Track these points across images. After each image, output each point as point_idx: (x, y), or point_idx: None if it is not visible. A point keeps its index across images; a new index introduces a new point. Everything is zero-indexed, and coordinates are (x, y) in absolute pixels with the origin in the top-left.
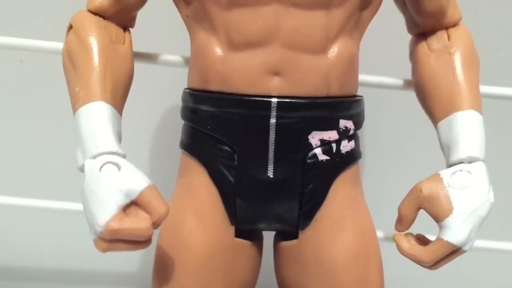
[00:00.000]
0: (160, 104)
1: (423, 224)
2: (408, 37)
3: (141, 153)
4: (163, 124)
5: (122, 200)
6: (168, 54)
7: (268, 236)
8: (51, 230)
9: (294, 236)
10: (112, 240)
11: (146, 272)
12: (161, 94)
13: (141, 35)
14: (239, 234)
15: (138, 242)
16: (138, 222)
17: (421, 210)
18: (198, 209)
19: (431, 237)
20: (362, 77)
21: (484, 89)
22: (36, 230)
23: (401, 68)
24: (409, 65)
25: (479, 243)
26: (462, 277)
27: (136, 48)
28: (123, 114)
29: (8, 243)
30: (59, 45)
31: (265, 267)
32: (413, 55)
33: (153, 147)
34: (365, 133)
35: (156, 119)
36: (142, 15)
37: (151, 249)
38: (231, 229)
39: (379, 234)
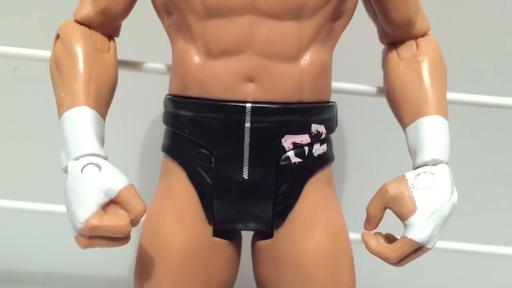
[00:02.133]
0: (144, 109)
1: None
2: (381, 46)
3: (126, 156)
4: (147, 129)
5: (101, 199)
6: (152, 62)
7: (249, 237)
8: (44, 233)
9: (270, 235)
10: (92, 236)
11: None
12: (145, 100)
13: (127, 44)
14: (217, 233)
15: (117, 238)
16: (117, 219)
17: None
18: (178, 209)
19: None
20: (338, 84)
21: (452, 96)
22: (29, 234)
23: (375, 76)
24: (382, 73)
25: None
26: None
27: (121, 56)
28: (109, 119)
29: (3, 246)
30: (49, 54)
31: (246, 266)
32: (385, 64)
33: (137, 150)
34: (341, 137)
35: (140, 124)
36: (127, 25)
37: None
38: (209, 229)
39: (355, 236)
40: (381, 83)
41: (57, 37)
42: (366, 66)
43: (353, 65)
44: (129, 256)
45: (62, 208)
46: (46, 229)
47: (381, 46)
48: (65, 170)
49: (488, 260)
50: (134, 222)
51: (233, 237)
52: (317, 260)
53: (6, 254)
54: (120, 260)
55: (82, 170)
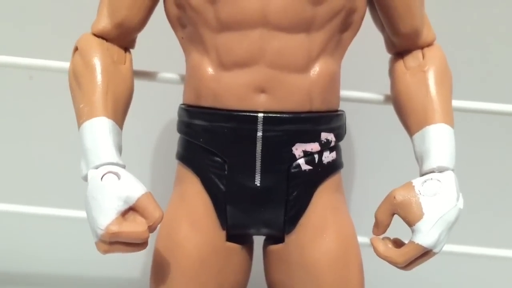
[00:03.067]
0: (158, 118)
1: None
2: (388, 55)
3: (142, 164)
4: (162, 137)
5: (121, 206)
6: (166, 72)
7: (260, 241)
8: (56, 237)
9: (281, 240)
10: (112, 242)
11: (148, 279)
12: (159, 110)
13: (141, 55)
14: (230, 238)
15: (136, 244)
16: (136, 226)
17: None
18: (192, 215)
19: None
20: (346, 93)
21: (457, 103)
22: (41, 237)
23: (382, 85)
24: (389, 82)
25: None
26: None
27: (137, 67)
28: (125, 127)
29: (14, 250)
30: (65, 64)
31: (258, 270)
32: (391, 73)
33: (152, 158)
34: (350, 145)
35: (155, 133)
36: (142, 37)
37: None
38: (223, 234)
39: (364, 240)
40: (388, 91)
41: (76, 49)
42: (374, 75)
43: (361, 74)
44: (142, 258)
45: (74, 213)
46: (59, 232)
47: (388, 56)
48: (85, 178)
49: (495, 263)
50: (151, 228)
51: (245, 242)
52: (327, 263)
53: (21, 257)
54: (133, 262)
55: (101, 178)
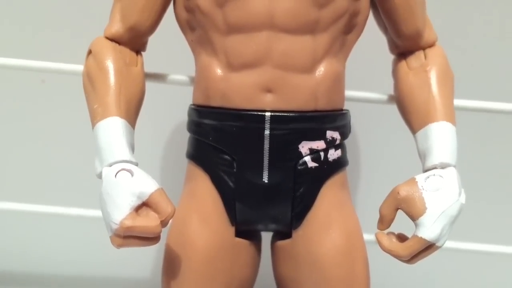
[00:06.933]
0: (169, 119)
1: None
2: (391, 56)
3: (153, 163)
4: (172, 137)
5: (134, 202)
6: (176, 74)
7: (268, 238)
8: (65, 237)
9: (288, 235)
10: (126, 236)
11: (158, 278)
12: (169, 110)
13: (152, 57)
14: (239, 234)
15: (149, 238)
16: (149, 220)
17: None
18: (202, 211)
19: None
20: (351, 93)
21: (459, 102)
22: (51, 237)
23: (386, 85)
24: (392, 82)
25: (458, 244)
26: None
27: (148, 69)
28: (137, 127)
29: (23, 250)
30: (77, 67)
31: (266, 266)
32: (395, 73)
33: (163, 157)
34: (355, 143)
35: (165, 132)
36: (153, 40)
37: (162, 255)
38: (232, 230)
39: (369, 237)
40: (391, 92)
41: (89, 52)
42: (377, 76)
43: (365, 74)
44: (152, 258)
45: (85, 212)
46: (68, 232)
47: (391, 57)
48: (99, 176)
49: (499, 260)
50: (164, 223)
51: (254, 238)
52: (333, 258)
53: (29, 257)
54: (143, 262)
55: (115, 175)
